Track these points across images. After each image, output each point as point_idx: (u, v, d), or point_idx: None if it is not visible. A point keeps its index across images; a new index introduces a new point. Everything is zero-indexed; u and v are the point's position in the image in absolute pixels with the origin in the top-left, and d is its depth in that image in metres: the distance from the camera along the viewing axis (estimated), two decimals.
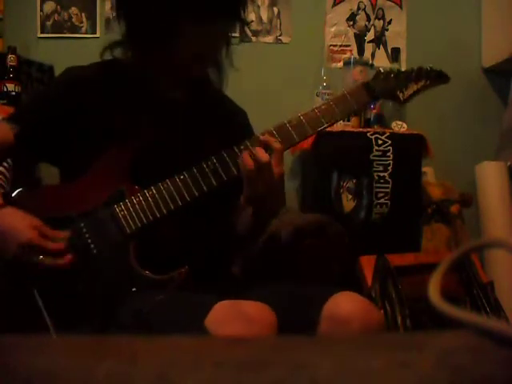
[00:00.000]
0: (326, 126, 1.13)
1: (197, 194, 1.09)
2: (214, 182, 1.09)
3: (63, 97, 1.17)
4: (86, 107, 1.16)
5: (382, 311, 1.76)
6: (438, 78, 1.20)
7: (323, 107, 1.14)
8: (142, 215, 1.08)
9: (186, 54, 1.13)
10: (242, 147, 1.09)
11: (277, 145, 1.07)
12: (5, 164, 1.56)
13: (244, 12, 1.15)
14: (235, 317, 0.89)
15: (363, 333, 0.95)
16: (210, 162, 1.10)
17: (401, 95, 1.18)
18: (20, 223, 1.03)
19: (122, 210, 1.08)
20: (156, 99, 1.19)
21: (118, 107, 1.16)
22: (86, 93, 1.16)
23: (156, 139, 1.15)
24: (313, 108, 1.14)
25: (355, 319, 0.96)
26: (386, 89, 1.17)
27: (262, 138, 1.08)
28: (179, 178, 1.09)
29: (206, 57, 1.16)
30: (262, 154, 1.03)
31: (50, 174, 1.33)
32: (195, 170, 1.09)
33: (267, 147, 1.06)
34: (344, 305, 0.98)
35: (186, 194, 1.09)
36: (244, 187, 1.08)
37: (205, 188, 1.09)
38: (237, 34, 1.24)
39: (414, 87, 1.18)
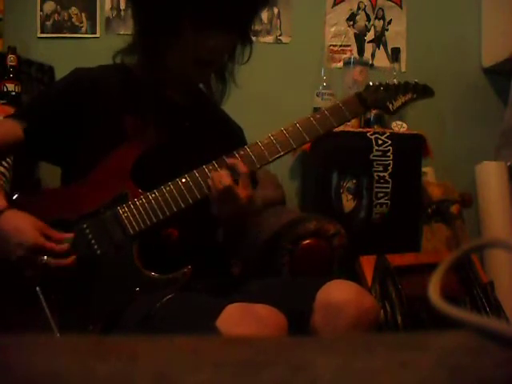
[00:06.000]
0: (321, 134, 1.16)
1: (199, 196, 1.09)
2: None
3: (70, 96, 1.18)
4: (93, 108, 1.16)
5: (382, 311, 1.76)
6: (423, 91, 1.26)
7: (318, 116, 1.15)
8: (145, 217, 1.08)
9: (188, 58, 1.14)
10: (210, 167, 1.09)
11: (242, 168, 1.06)
12: (5, 164, 1.56)
13: (250, 27, 1.18)
14: (247, 318, 0.89)
15: (357, 318, 0.96)
16: (211, 166, 1.10)
17: (390, 106, 1.23)
18: (24, 225, 1.03)
19: (126, 212, 1.09)
20: (160, 103, 1.20)
21: (124, 110, 1.16)
22: (93, 94, 1.17)
23: (158, 143, 1.16)
24: (308, 116, 1.16)
25: (349, 305, 0.96)
26: (377, 100, 1.22)
27: (228, 161, 1.09)
28: (181, 182, 1.09)
29: (206, 63, 1.17)
30: (225, 178, 1.04)
31: (50, 174, 1.33)
32: (197, 174, 1.10)
33: (233, 170, 1.06)
34: (336, 292, 0.99)
35: (188, 197, 1.09)
36: (211, 206, 1.09)
37: (206, 191, 1.09)
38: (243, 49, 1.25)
39: (402, 99, 1.24)
